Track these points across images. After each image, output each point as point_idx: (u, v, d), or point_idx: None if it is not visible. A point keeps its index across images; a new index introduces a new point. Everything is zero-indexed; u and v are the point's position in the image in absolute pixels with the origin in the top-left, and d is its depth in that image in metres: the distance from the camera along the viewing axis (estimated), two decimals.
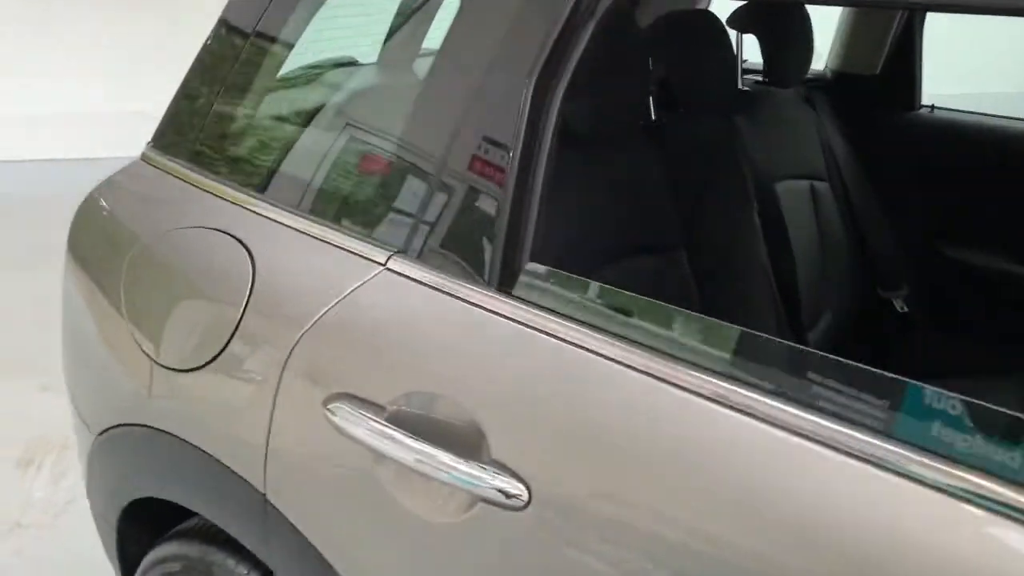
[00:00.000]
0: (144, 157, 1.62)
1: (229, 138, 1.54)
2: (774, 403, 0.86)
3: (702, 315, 0.98)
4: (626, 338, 0.97)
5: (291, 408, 1.19)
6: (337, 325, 1.17)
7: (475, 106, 1.15)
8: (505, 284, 1.08)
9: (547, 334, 1.02)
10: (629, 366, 0.95)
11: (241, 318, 1.26)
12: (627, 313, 1.01)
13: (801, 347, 0.95)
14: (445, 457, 1.02)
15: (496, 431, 1.01)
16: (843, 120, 2.39)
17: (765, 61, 2.10)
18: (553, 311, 1.03)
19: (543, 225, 1.10)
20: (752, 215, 1.92)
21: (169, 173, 1.54)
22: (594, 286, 1.06)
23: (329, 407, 1.11)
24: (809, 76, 2.41)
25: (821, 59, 2.49)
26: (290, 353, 1.19)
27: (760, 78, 2.16)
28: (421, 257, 1.15)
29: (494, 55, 1.14)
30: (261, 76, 1.57)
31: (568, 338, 1.00)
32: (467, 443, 1.01)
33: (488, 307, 1.07)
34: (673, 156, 1.75)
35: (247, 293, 1.26)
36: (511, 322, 1.05)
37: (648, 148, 1.70)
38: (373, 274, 1.18)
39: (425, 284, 1.13)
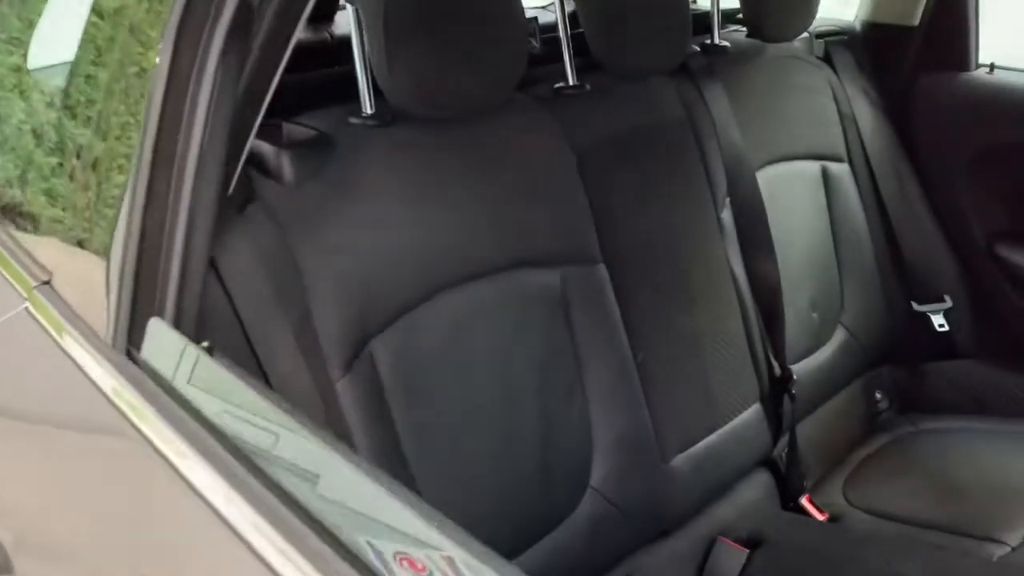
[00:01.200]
0: None
1: None
2: None
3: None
4: None
5: None
6: None
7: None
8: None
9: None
10: None
11: None
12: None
13: None
14: None
15: None
16: (873, 84, 1.87)
17: (743, 2, 1.62)
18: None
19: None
20: (709, 213, 1.46)
21: None
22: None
23: None
24: (830, 28, 1.90)
25: (851, 5, 1.97)
26: None
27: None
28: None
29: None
30: None
31: None
32: None
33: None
34: (583, 139, 1.31)
35: None
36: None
37: (542, 127, 1.27)
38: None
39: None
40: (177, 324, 0.70)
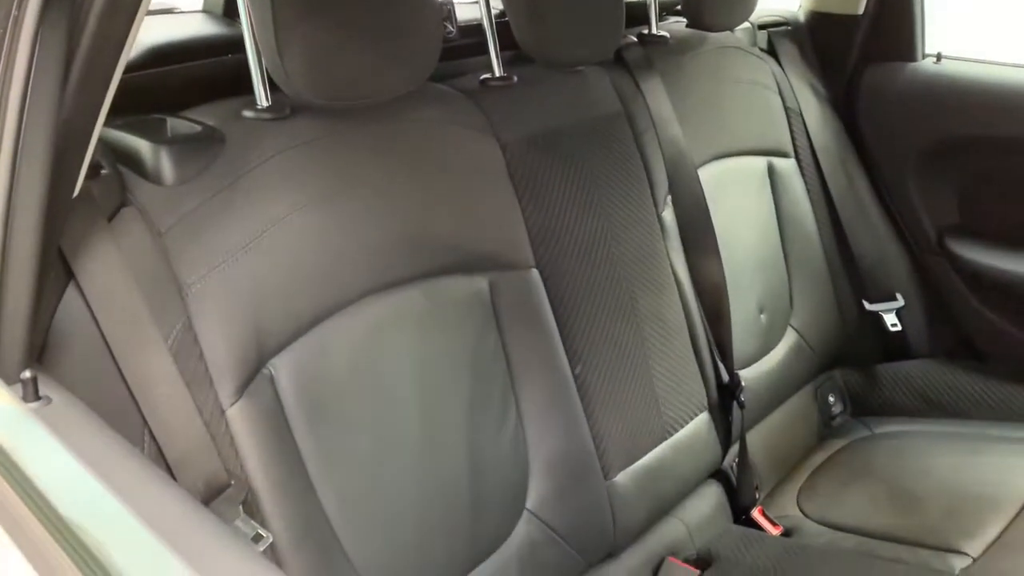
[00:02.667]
0: None
1: None
2: None
3: None
4: None
5: None
6: None
7: None
8: None
9: None
10: None
11: None
12: None
13: None
14: None
15: None
16: (818, 76, 1.81)
17: None
18: None
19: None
20: (649, 213, 1.37)
21: None
22: None
23: None
24: (774, 18, 1.83)
25: None
26: None
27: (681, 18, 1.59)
28: None
29: None
30: None
31: None
32: None
33: None
34: (511, 133, 1.21)
35: None
36: None
37: (465, 120, 1.17)
38: None
39: None
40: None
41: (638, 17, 1.53)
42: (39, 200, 0.59)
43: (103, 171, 0.85)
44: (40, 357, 0.74)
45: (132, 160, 0.89)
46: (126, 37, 0.60)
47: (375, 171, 1.04)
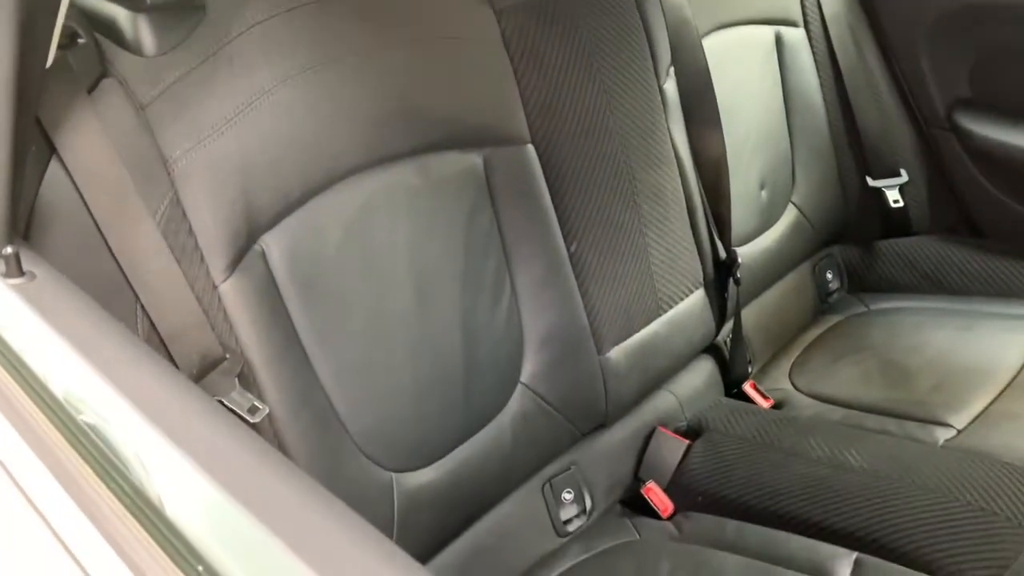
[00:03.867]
0: None
1: None
2: None
3: None
4: None
5: None
6: None
7: None
8: None
9: None
10: None
11: None
12: None
13: None
14: None
15: None
16: None
17: None
18: None
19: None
20: (651, 84, 1.33)
21: None
22: None
23: None
24: None
25: None
26: None
27: None
28: None
29: None
30: None
31: None
32: None
33: None
34: (505, 2, 1.16)
35: None
36: None
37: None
38: None
39: None
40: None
41: None
42: (9, 69, 0.57)
43: (80, 40, 0.82)
44: (25, 234, 0.73)
45: (110, 29, 0.86)
46: None
47: (364, 40, 1.00)
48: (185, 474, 0.44)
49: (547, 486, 1.28)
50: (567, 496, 1.29)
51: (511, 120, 1.17)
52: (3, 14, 0.54)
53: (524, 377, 1.20)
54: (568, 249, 1.23)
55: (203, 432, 0.48)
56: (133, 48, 0.86)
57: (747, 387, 1.52)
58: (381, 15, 1.03)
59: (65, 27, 0.75)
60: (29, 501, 0.53)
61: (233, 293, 0.90)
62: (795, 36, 1.64)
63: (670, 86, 1.38)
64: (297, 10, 0.95)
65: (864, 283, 1.78)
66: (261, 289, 0.93)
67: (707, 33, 1.45)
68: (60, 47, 0.75)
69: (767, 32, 1.59)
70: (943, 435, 1.33)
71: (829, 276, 1.77)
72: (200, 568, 0.44)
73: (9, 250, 0.55)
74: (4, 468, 0.55)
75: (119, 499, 0.48)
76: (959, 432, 1.33)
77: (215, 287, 0.89)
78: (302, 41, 0.95)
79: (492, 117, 1.15)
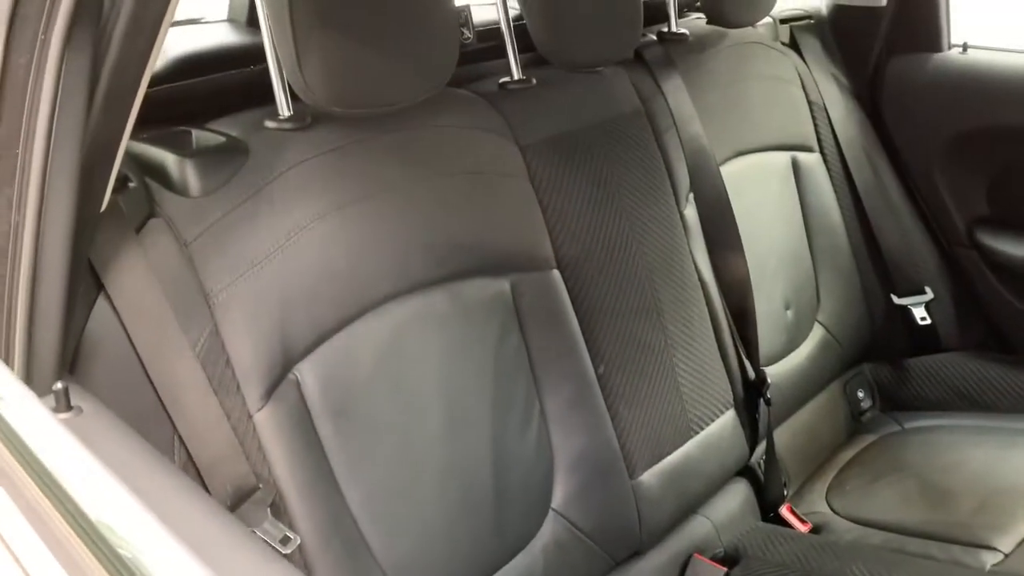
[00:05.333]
0: None
1: None
2: None
3: None
4: None
5: None
6: None
7: None
8: None
9: None
10: None
11: None
12: None
13: None
14: None
15: None
16: (842, 69, 1.79)
17: None
18: None
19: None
20: (671, 211, 1.37)
21: None
22: None
23: None
24: (795, 12, 1.82)
25: None
26: None
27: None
28: None
29: None
30: None
31: None
32: None
33: None
34: (531, 135, 1.22)
35: None
36: None
37: (484, 124, 1.17)
38: None
39: None
40: (27, 372, 0.60)
41: (657, 15, 1.53)
42: (68, 215, 0.61)
43: (131, 184, 0.87)
44: (71, 367, 0.76)
45: (158, 173, 0.91)
46: (149, 54, 0.61)
47: (396, 176, 1.05)
48: None
49: None
50: None
51: (537, 247, 1.20)
52: (66, 165, 0.58)
53: (555, 503, 1.19)
54: (596, 371, 1.24)
55: (242, 566, 0.48)
56: (180, 190, 0.91)
57: (784, 511, 1.48)
58: (411, 154, 1.08)
59: (118, 172, 0.80)
60: None
61: (268, 422, 0.92)
62: (811, 160, 1.69)
63: (690, 212, 1.42)
64: (333, 152, 1.01)
65: (896, 401, 1.76)
66: (295, 417, 0.95)
67: (725, 160, 1.50)
68: (113, 191, 0.80)
69: (783, 157, 1.64)
70: (990, 559, 1.29)
71: (860, 395, 1.76)
72: None
73: (59, 386, 0.57)
74: None
75: None
76: (1007, 556, 1.29)
77: (250, 417, 0.91)
78: (337, 179, 1.00)
79: (518, 244, 1.18)
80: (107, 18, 0.58)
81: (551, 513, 1.19)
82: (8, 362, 0.61)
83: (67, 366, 0.74)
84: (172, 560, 0.48)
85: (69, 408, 0.64)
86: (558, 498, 1.19)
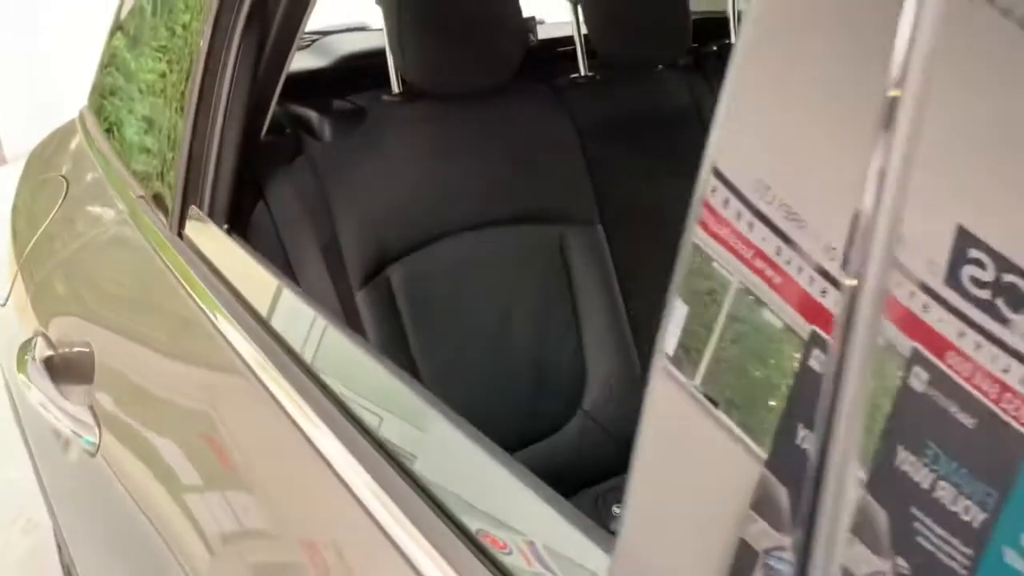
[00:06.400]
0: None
1: None
2: None
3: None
4: None
5: None
6: None
7: None
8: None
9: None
10: None
11: None
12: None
13: None
14: None
15: None
16: None
17: None
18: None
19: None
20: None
21: None
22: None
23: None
24: None
25: None
26: None
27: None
28: None
29: None
30: None
31: None
32: None
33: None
34: (587, 118, 1.57)
35: None
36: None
37: (548, 107, 1.54)
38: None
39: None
40: (211, 211, 1.04)
41: (721, 31, 1.84)
42: (238, 135, 1.04)
43: (287, 131, 1.31)
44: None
45: (307, 125, 1.35)
46: (294, 38, 1.04)
47: (474, 140, 1.44)
48: None
49: (599, 500, 1.57)
50: (615, 510, 1.57)
51: (583, 206, 1.55)
52: (238, 110, 1.02)
53: (585, 405, 1.53)
54: (628, 309, 1.57)
55: None
56: (319, 137, 1.34)
57: None
58: (485, 124, 1.46)
59: (275, 121, 1.23)
60: None
61: (364, 304, 1.32)
62: None
63: None
64: (428, 119, 1.41)
65: None
66: (384, 304, 1.34)
67: None
68: (277, 133, 1.23)
69: None
70: None
71: None
72: None
73: (225, 226, 1.00)
74: None
75: None
76: None
77: (353, 296, 1.32)
78: (428, 138, 1.40)
79: (568, 203, 1.53)
80: (271, 17, 1.00)
81: (580, 412, 1.53)
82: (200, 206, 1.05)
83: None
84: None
85: None
86: (587, 401, 1.53)
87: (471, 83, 1.39)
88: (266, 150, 1.23)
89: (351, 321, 1.31)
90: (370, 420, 0.73)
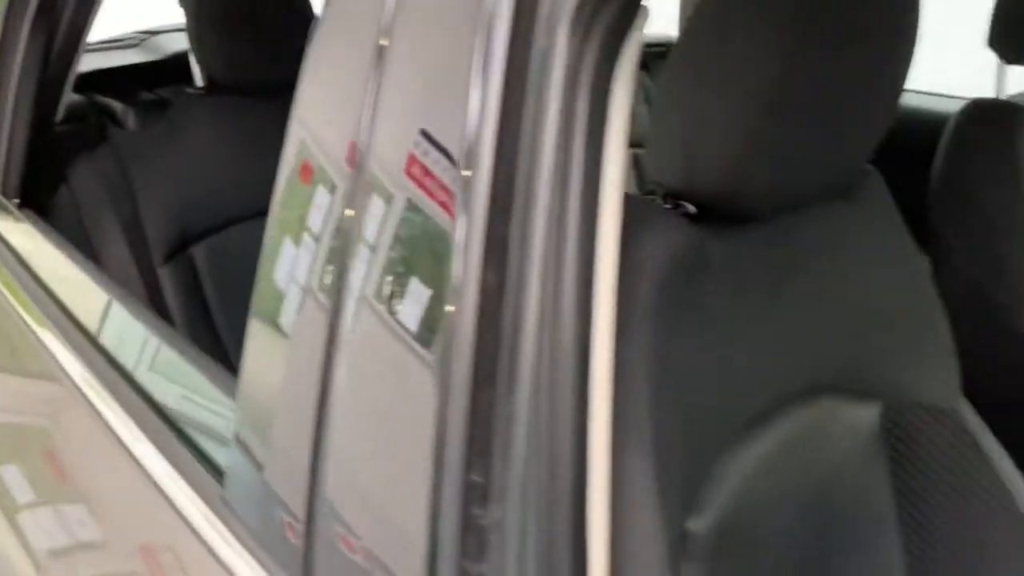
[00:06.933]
0: None
1: None
2: None
3: None
4: None
5: None
6: None
7: None
8: None
9: None
10: None
11: None
12: None
13: None
14: None
15: None
16: None
17: None
18: None
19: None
20: None
21: None
22: None
23: None
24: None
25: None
26: None
27: None
28: None
29: None
30: None
31: None
32: None
33: None
34: None
35: None
36: None
37: None
38: None
39: None
40: (3, 188, 1.14)
41: None
42: (28, 116, 1.15)
43: (90, 119, 1.41)
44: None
45: (111, 114, 1.45)
46: (80, 36, 1.15)
47: (268, 132, 1.53)
48: None
49: None
50: None
51: None
52: (27, 96, 1.12)
53: None
54: None
55: None
56: (122, 125, 1.44)
57: None
58: (280, 116, 1.59)
59: (78, 109, 1.33)
60: None
61: (166, 280, 1.43)
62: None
63: None
64: (232, 111, 1.53)
65: None
66: (188, 281, 1.45)
67: None
68: (77, 120, 1.33)
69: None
70: None
71: None
72: None
73: (16, 200, 1.10)
74: None
75: None
76: None
77: (155, 271, 1.42)
78: (232, 127, 1.52)
79: None
80: (59, 13, 1.12)
81: None
82: None
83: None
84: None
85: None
86: None
87: (266, 78, 1.51)
88: (67, 137, 1.33)
89: (154, 295, 1.41)
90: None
